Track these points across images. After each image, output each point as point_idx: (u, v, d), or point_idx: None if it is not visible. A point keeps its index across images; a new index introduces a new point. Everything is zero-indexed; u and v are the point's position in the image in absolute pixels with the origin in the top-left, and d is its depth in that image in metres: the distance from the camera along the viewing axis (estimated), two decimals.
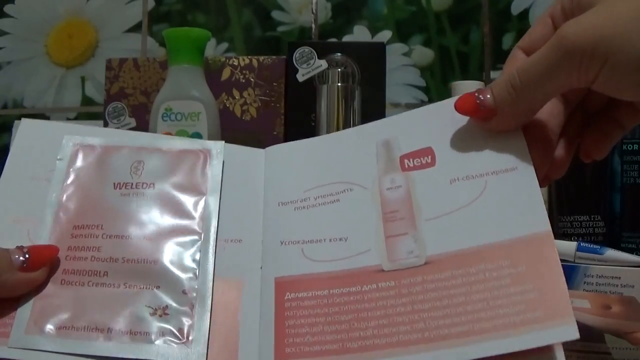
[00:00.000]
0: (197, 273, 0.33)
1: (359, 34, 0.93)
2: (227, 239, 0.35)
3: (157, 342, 0.30)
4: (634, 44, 0.28)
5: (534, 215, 0.31)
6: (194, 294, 0.32)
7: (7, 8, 0.98)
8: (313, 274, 0.34)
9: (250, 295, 0.34)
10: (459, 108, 0.34)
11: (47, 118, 0.95)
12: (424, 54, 0.93)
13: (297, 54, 0.73)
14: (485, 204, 0.32)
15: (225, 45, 0.95)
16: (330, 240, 0.35)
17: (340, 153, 0.38)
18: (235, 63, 0.75)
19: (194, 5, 0.96)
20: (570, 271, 0.42)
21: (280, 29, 0.94)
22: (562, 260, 0.30)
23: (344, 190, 0.36)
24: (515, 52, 0.36)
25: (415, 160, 0.35)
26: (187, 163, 0.37)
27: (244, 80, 0.74)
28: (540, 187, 0.32)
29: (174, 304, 0.32)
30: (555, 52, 0.30)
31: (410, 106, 0.91)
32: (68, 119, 0.96)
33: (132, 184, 0.35)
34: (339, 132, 0.45)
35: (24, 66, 0.97)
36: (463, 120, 0.35)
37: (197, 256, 0.33)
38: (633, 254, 0.44)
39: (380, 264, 0.33)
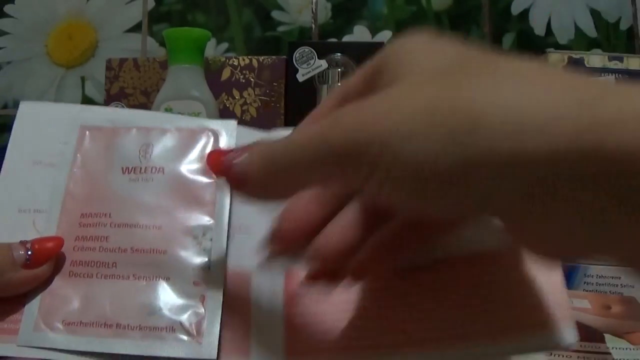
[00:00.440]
0: (209, 263, 0.31)
1: (359, 34, 0.93)
2: (236, 227, 0.33)
3: (167, 337, 0.29)
4: (414, 147, 0.20)
5: None
6: (206, 286, 0.30)
7: (7, 8, 0.98)
8: None
9: (260, 287, 0.32)
10: (211, 167, 0.28)
11: None
12: None
13: (297, 54, 0.73)
14: None
15: (225, 45, 0.95)
16: None
17: None
18: (235, 63, 0.75)
19: (194, 5, 0.96)
20: (570, 271, 0.42)
21: (280, 29, 0.94)
22: None
23: None
24: (335, 93, 0.29)
25: None
26: (198, 144, 0.34)
27: (244, 80, 0.74)
28: None
29: (184, 296, 0.30)
30: (319, 142, 0.23)
31: None
32: None
33: (140, 168, 0.33)
34: None
35: (24, 66, 0.97)
36: None
37: (209, 245, 0.31)
38: None
39: None
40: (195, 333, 0.29)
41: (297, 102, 0.73)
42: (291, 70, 0.73)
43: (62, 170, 0.33)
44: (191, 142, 0.34)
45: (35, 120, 0.35)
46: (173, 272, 0.31)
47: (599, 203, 0.18)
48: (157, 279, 0.30)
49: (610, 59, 0.78)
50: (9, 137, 0.35)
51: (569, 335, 0.27)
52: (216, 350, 0.29)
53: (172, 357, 0.29)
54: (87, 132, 0.34)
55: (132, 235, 0.31)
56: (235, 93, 0.74)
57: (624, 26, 0.93)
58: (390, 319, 0.30)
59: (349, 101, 0.24)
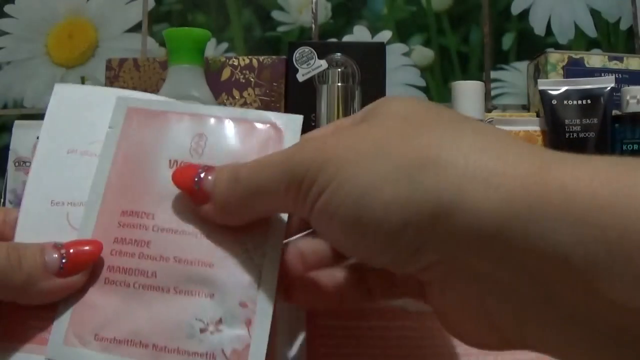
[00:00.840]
0: (260, 282, 0.27)
1: (359, 34, 0.93)
2: None
3: None
4: (359, 173, 0.22)
5: None
6: (254, 308, 0.27)
7: (7, 8, 0.98)
8: None
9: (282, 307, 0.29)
10: (175, 180, 0.27)
11: None
12: (424, 54, 0.93)
13: (297, 54, 0.73)
14: None
15: (225, 45, 0.95)
16: None
17: None
18: (235, 63, 0.75)
19: (194, 5, 0.96)
20: None
21: (280, 29, 0.94)
22: None
23: None
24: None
25: None
26: (258, 140, 0.30)
27: (244, 80, 0.74)
28: None
29: (228, 318, 0.26)
30: (283, 161, 0.24)
31: None
32: None
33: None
34: None
35: (24, 66, 0.97)
36: None
37: (261, 261, 0.27)
38: None
39: None
40: None
41: (297, 102, 0.73)
42: (291, 70, 0.73)
43: (104, 158, 0.29)
44: (249, 138, 0.30)
45: (72, 104, 0.31)
46: (218, 289, 0.27)
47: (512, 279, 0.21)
48: (200, 295, 0.27)
49: (610, 59, 0.79)
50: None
51: None
52: None
53: None
54: (135, 116, 0.30)
55: (176, 243, 0.28)
56: (235, 93, 0.74)
57: (624, 26, 0.93)
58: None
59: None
